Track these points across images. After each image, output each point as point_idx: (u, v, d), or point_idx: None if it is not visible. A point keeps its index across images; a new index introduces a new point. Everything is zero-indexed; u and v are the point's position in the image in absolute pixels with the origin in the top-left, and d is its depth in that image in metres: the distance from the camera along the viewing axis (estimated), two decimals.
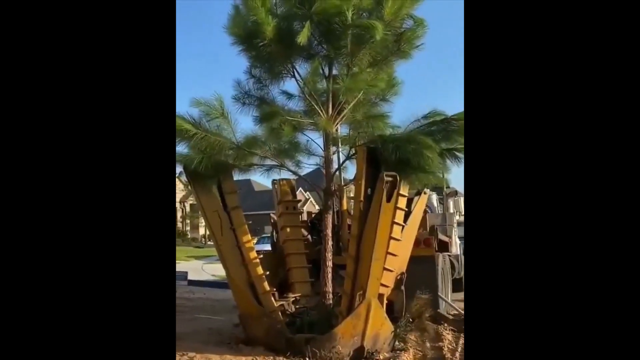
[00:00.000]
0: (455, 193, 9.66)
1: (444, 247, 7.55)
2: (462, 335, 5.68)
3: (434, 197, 9.48)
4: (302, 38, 4.62)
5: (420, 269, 6.14)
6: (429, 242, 6.61)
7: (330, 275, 5.39)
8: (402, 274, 5.54)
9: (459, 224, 9.18)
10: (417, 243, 6.35)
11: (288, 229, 6.29)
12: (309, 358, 4.74)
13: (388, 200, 4.75)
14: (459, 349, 5.15)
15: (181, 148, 5.11)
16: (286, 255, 6.23)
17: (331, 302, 5.41)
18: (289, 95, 5.69)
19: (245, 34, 5.03)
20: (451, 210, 9.27)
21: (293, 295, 5.98)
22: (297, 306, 5.90)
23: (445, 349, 5.15)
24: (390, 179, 4.73)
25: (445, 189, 9.23)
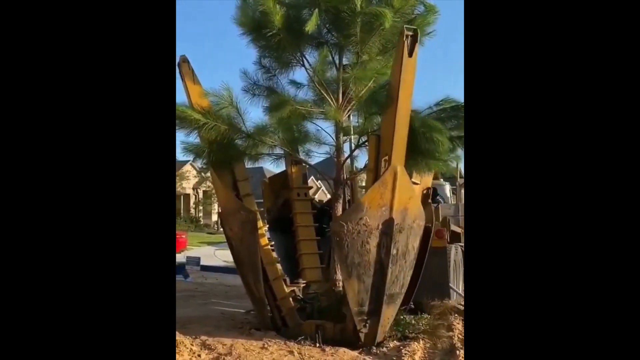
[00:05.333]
0: None
1: (457, 238, 7.48)
2: None
3: (447, 188, 9.43)
4: (310, 26, 4.61)
5: (432, 261, 6.09)
6: (441, 234, 6.53)
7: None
8: (427, 189, 5.55)
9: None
10: (428, 235, 6.36)
11: (299, 216, 6.36)
12: (319, 344, 4.82)
13: (410, 54, 4.42)
14: None
15: (193, 138, 5.22)
16: (297, 242, 6.31)
17: (341, 289, 5.45)
18: (298, 85, 5.69)
19: (254, 24, 5.03)
20: (464, 201, 9.18)
21: (304, 281, 6.03)
22: (308, 292, 5.94)
23: (456, 338, 5.16)
24: (410, 33, 4.41)
25: (458, 179, 9.14)
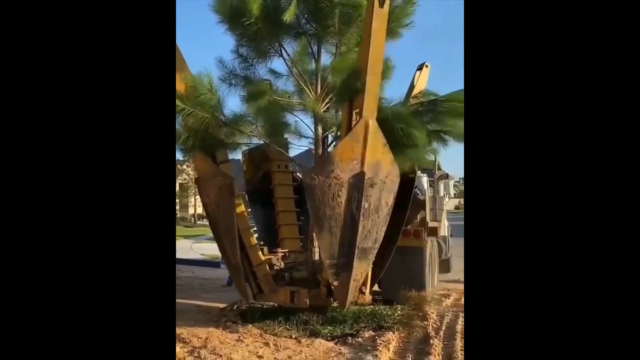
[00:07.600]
0: (446, 176, 9.64)
1: (433, 232, 7.64)
2: (446, 314, 5.79)
3: (424, 180, 9.52)
4: (288, 16, 4.57)
5: (409, 259, 6.23)
6: (418, 234, 6.64)
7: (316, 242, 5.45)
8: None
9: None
10: (407, 234, 6.39)
11: (278, 187, 6.32)
12: (297, 328, 4.85)
13: (381, 5, 4.43)
14: (443, 328, 5.25)
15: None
16: (276, 213, 6.29)
17: (319, 258, 5.45)
18: (277, 74, 5.64)
19: (231, 12, 4.96)
20: (441, 194, 9.28)
21: (282, 251, 6.06)
22: (286, 261, 5.97)
23: (430, 327, 5.24)
24: None
25: (436, 171, 9.23)
